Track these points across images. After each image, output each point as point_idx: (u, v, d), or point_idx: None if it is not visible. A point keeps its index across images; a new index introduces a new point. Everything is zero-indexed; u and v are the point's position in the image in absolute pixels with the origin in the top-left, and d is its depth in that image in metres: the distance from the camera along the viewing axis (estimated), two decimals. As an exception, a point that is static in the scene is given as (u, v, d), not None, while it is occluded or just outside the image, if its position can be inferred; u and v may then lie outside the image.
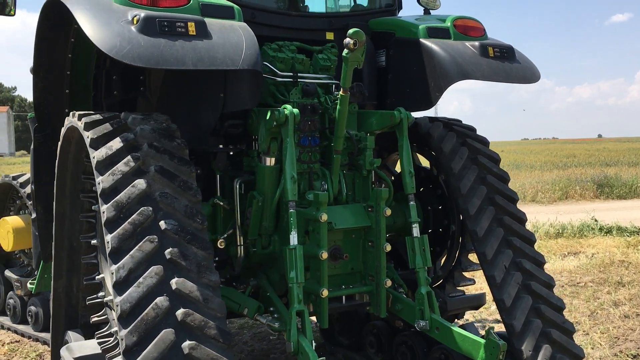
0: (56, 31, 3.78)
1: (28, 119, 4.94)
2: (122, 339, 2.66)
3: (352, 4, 4.57)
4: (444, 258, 4.40)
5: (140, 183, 2.98)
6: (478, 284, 5.57)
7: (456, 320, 4.66)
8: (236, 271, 3.80)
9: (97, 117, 3.26)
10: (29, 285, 5.49)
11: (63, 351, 3.59)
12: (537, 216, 11.67)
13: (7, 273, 6.14)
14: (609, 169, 23.17)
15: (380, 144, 4.45)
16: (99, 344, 3.46)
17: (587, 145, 63.24)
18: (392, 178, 4.60)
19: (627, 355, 4.92)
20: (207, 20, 3.11)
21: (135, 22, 2.91)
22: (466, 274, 4.43)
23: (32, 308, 5.69)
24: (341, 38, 4.09)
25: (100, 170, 2.99)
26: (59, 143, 3.67)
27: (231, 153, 3.82)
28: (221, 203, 3.70)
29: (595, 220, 11.15)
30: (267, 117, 3.41)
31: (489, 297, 4.30)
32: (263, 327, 5.36)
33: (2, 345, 5.65)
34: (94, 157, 3.02)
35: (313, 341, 3.19)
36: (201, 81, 3.59)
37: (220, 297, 2.90)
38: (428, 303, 3.60)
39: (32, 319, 5.72)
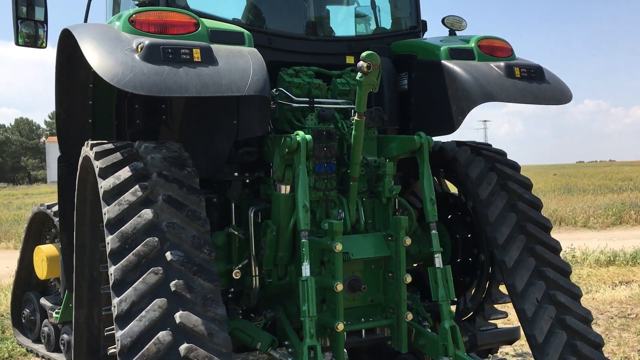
0: (75, 61, 3.82)
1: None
2: None
3: (375, 26, 4.48)
4: (474, 289, 4.17)
5: (147, 213, 2.92)
6: (514, 316, 5.29)
7: (490, 355, 4.40)
8: (252, 302, 3.69)
9: (109, 146, 3.23)
10: (54, 315, 5.52)
11: None
12: (588, 242, 11.17)
13: (42, 301, 6.20)
14: (667, 193, 22.14)
15: (407, 170, 4.31)
16: None
17: (646, 167, 60.85)
18: (421, 205, 4.44)
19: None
20: (215, 46, 3.06)
21: (139, 50, 2.88)
22: (498, 307, 4.19)
23: (65, 336, 5.71)
24: None
25: (107, 200, 2.95)
26: (78, 172, 3.67)
27: (247, 181, 3.74)
28: (236, 232, 3.61)
29: (651, 247, 10.58)
30: (280, 144, 3.33)
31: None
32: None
33: (35, 373, 5.68)
34: (101, 187, 2.98)
35: None
36: (216, 108, 3.55)
37: (226, 332, 2.79)
38: (452, 338, 3.39)
39: (64, 348, 5.74)
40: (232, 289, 3.69)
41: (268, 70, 3.81)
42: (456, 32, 4.28)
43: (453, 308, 3.83)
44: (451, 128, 3.70)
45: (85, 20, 5.05)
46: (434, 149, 4.15)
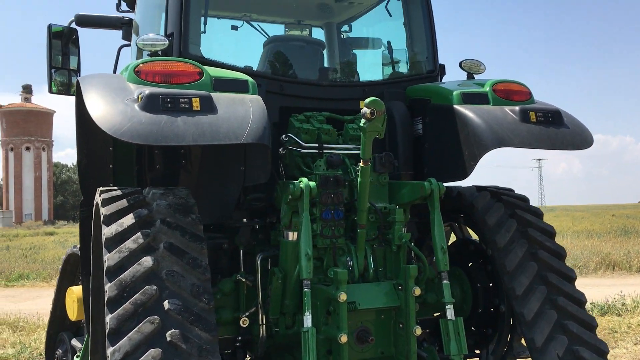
0: None
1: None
2: None
3: (391, 71, 4.45)
4: (495, 342, 3.98)
5: (147, 261, 2.92)
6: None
7: (516, 412, 4.16)
8: (260, 352, 3.62)
9: (117, 193, 3.28)
10: (74, 358, 5.58)
11: None
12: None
13: (74, 342, 6.29)
14: None
15: (426, 216, 4.20)
16: None
17: None
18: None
19: None
20: (216, 94, 3.09)
21: (139, 100, 2.94)
22: (522, 361, 3.99)
23: (86, 379, 5.75)
24: None
25: (109, 247, 2.97)
26: (93, 218, 3.73)
27: (258, 227, 3.72)
28: (244, 279, 3.58)
29: None
30: (286, 191, 3.31)
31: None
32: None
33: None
34: (104, 234, 3.01)
35: None
36: (226, 155, 3.57)
37: None
38: None
39: None
40: (239, 337, 3.63)
41: (280, 116, 3.84)
42: (475, 75, 4.20)
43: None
44: (463, 174, 3.60)
45: (115, 69, 5.22)
46: (452, 194, 4.05)
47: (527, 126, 3.50)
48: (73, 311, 5.95)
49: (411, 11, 4.45)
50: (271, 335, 3.59)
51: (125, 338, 2.71)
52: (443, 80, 4.42)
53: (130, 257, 2.93)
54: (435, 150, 3.88)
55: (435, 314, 4.09)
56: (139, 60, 3.23)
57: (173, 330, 2.77)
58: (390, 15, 4.59)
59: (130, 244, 2.97)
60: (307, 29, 5.47)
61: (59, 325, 6.59)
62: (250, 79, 3.32)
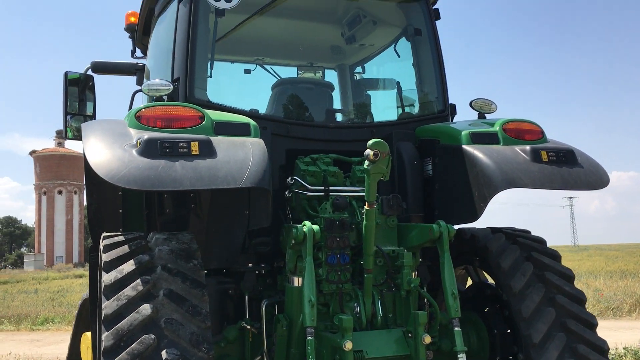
0: None
1: None
2: None
3: (400, 111, 4.40)
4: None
5: (146, 308, 2.86)
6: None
7: None
8: None
9: (119, 238, 3.24)
10: None
11: None
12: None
13: (87, 387, 6.22)
14: None
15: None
16: None
17: None
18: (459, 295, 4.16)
19: None
20: (217, 138, 3.07)
21: (138, 145, 2.92)
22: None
23: None
24: None
25: (107, 295, 2.92)
26: (99, 264, 3.70)
27: (263, 272, 3.64)
28: (249, 326, 3.48)
29: None
30: (290, 235, 3.24)
31: None
32: None
33: None
34: (103, 282, 2.96)
35: None
36: (232, 199, 3.52)
37: None
38: None
39: None
40: None
41: (286, 159, 3.79)
42: (486, 115, 4.12)
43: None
44: (474, 216, 3.48)
45: None
46: (465, 236, 3.92)
47: (538, 166, 3.39)
48: (87, 357, 5.88)
49: (420, 51, 4.42)
50: None
51: None
52: (454, 120, 4.35)
53: (129, 304, 2.87)
54: (445, 191, 3.78)
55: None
56: (141, 106, 3.24)
57: (170, 381, 2.68)
58: (399, 56, 4.57)
59: (129, 291, 2.91)
60: (320, 71, 5.49)
61: None
62: (252, 122, 3.29)
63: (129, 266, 3.03)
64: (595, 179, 3.44)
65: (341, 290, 3.35)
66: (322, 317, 3.33)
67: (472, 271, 4.28)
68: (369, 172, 3.03)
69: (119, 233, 3.35)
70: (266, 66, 5.16)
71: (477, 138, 3.58)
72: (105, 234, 3.35)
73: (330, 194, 3.57)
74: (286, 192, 3.66)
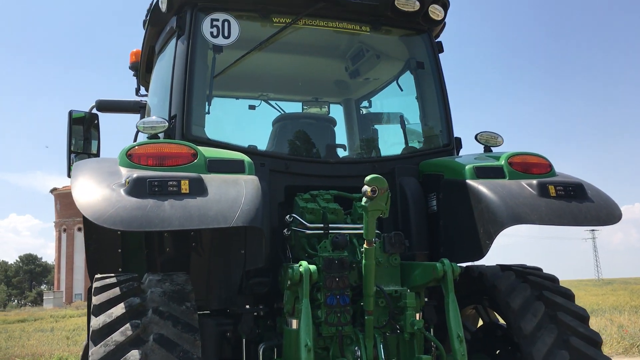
0: None
1: None
2: None
3: (404, 146, 4.30)
4: None
5: (134, 355, 2.73)
6: None
7: None
8: None
9: (111, 280, 3.15)
10: None
11: None
12: None
13: None
14: None
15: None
16: None
17: None
18: (469, 337, 3.98)
19: None
20: (209, 176, 2.98)
21: (126, 184, 2.84)
22: None
23: None
24: (387, 183, 3.79)
25: (95, 340, 2.80)
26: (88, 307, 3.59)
27: (261, 314, 3.50)
28: None
29: None
30: (286, 275, 3.11)
31: None
32: None
33: None
34: (91, 327, 2.85)
35: None
36: (230, 238, 3.42)
37: None
38: None
39: None
40: None
41: (285, 196, 3.69)
42: (492, 148, 4.00)
43: None
44: (479, 254, 3.33)
45: None
46: (473, 274, 3.77)
47: (546, 201, 3.24)
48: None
49: (423, 84, 4.34)
50: None
51: None
52: (460, 154, 4.23)
53: (116, 351, 2.75)
54: (450, 228, 3.64)
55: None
56: (134, 143, 3.17)
57: None
58: (402, 90, 4.50)
59: (117, 336, 2.80)
60: (326, 106, 5.43)
61: None
62: (246, 158, 3.20)
63: (118, 310, 2.92)
64: (606, 213, 3.28)
65: (341, 333, 3.20)
66: None
67: (482, 311, 4.10)
68: (367, 209, 2.92)
69: (112, 275, 3.25)
70: (271, 102, 5.11)
71: (482, 172, 3.45)
72: (98, 275, 3.26)
73: (330, 231, 3.45)
74: (285, 231, 3.55)
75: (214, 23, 3.86)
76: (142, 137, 5.19)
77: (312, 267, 3.05)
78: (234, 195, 2.87)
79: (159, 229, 2.72)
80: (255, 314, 3.49)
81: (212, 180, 2.96)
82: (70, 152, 5.01)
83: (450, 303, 3.19)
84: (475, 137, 3.96)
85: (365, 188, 2.88)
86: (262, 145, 4.24)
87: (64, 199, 79.03)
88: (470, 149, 4.25)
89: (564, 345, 3.32)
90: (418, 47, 4.41)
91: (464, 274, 3.77)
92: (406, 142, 4.31)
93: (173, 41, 3.98)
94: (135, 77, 5.42)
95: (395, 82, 4.79)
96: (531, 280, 3.63)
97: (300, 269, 3.03)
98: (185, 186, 2.85)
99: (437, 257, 3.67)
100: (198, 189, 2.87)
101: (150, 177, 2.85)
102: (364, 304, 3.18)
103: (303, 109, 5.38)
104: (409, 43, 4.47)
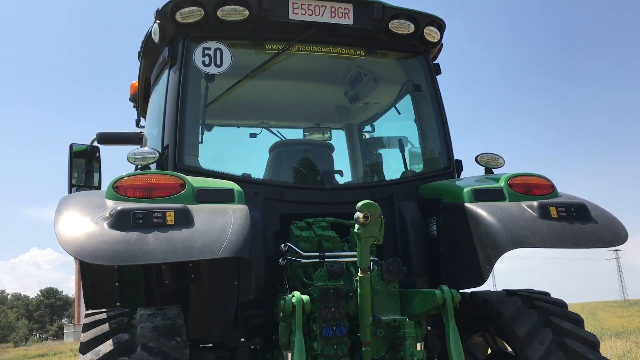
0: None
1: None
2: None
3: (403, 170, 4.21)
4: None
5: None
6: None
7: None
8: None
9: (101, 316, 3.07)
10: None
11: None
12: None
13: None
14: None
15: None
16: None
17: None
18: (478, 365, 3.84)
19: None
20: (196, 206, 2.91)
21: (110, 217, 2.78)
22: None
23: None
24: (386, 208, 3.69)
25: None
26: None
27: (257, 347, 3.40)
28: None
29: None
30: (279, 307, 3.02)
31: None
32: None
33: None
34: None
35: None
36: (225, 269, 3.34)
37: None
38: None
39: None
40: None
41: (281, 224, 3.61)
42: (493, 170, 3.89)
43: None
44: (480, 280, 3.21)
45: None
46: (477, 300, 3.64)
47: (547, 223, 3.12)
48: None
49: (422, 107, 4.27)
50: None
51: None
52: (461, 177, 4.13)
53: None
54: (450, 253, 3.53)
55: None
56: (121, 175, 3.12)
57: None
58: (399, 113, 4.43)
59: None
60: (328, 132, 5.38)
61: None
62: (236, 187, 3.13)
63: (106, 347, 2.83)
64: (611, 234, 3.15)
65: None
66: None
67: (490, 338, 3.96)
68: (360, 236, 2.83)
69: (103, 310, 3.18)
70: (272, 129, 5.07)
71: (481, 195, 3.35)
72: (87, 311, 3.19)
73: (326, 260, 3.35)
74: (280, 260, 3.46)
75: (206, 52, 3.84)
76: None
77: (305, 297, 2.96)
78: (221, 225, 2.80)
79: (143, 262, 2.65)
80: (252, 347, 3.38)
81: (199, 210, 2.89)
82: (71, 185, 4.99)
83: (451, 332, 3.06)
84: (476, 159, 3.86)
85: (358, 214, 2.79)
86: (259, 173, 4.18)
87: (83, 232, 79.47)
88: (473, 171, 4.16)
89: (573, 374, 3.17)
90: (415, 70, 4.35)
91: (469, 301, 3.64)
92: (405, 166, 4.22)
93: (166, 71, 3.96)
94: (135, 109, 5.42)
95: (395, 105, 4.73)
96: (538, 306, 3.50)
97: (293, 300, 2.94)
98: (170, 217, 2.78)
99: (438, 284, 3.54)
100: (184, 219, 2.80)
101: (134, 209, 2.79)
102: (361, 334, 3.07)
103: (305, 135, 5.33)
104: (405, 66, 4.42)
